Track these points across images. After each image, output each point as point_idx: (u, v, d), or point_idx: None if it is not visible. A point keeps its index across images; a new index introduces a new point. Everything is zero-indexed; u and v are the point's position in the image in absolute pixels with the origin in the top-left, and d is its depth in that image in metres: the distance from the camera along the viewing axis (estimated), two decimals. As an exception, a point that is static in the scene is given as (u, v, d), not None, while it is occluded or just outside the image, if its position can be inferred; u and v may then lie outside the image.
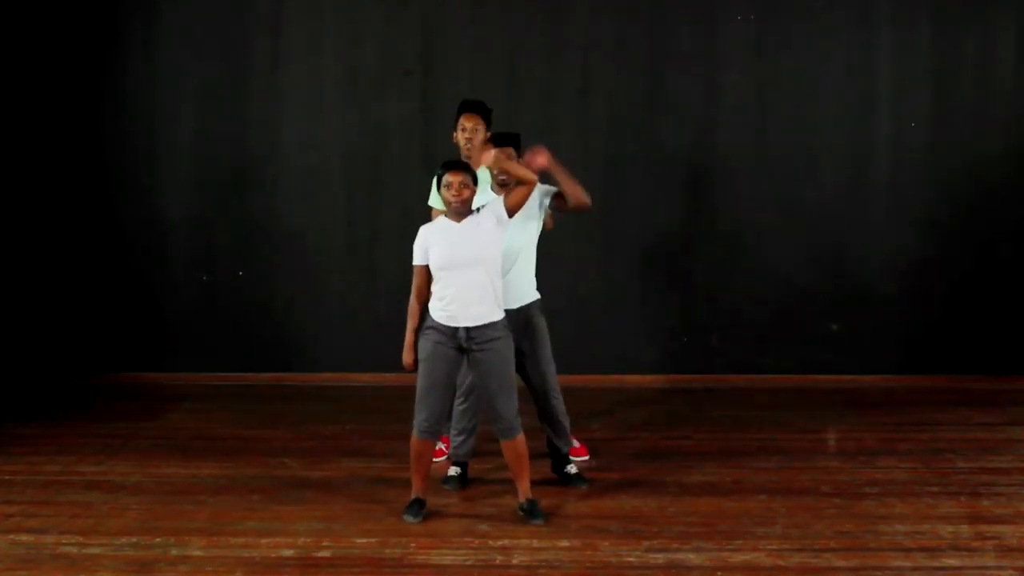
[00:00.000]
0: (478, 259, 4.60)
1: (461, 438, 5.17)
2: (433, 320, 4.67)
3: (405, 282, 7.55)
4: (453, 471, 5.18)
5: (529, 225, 5.03)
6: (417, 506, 4.73)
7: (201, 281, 7.61)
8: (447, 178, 4.66)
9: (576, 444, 5.57)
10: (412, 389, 7.30)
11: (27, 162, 7.52)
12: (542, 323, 5.13)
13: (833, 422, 6.44)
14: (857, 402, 6.97)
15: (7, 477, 5.31)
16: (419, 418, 4.69)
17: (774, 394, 7.20)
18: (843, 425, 6.37)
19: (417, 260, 4.71)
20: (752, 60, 7.47)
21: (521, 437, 4.72)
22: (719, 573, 4.12)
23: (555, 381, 5.20)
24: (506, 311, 4.78)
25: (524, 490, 4.75)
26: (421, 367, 4.68)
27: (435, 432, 4.74)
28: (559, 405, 5.21)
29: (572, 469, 5.23)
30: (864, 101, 7.49)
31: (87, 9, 7.48)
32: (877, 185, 7.50)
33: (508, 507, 4.86)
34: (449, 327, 4.62)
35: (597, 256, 7.53)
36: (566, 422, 5.25)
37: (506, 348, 4.68)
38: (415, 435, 4.71)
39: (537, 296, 5.16)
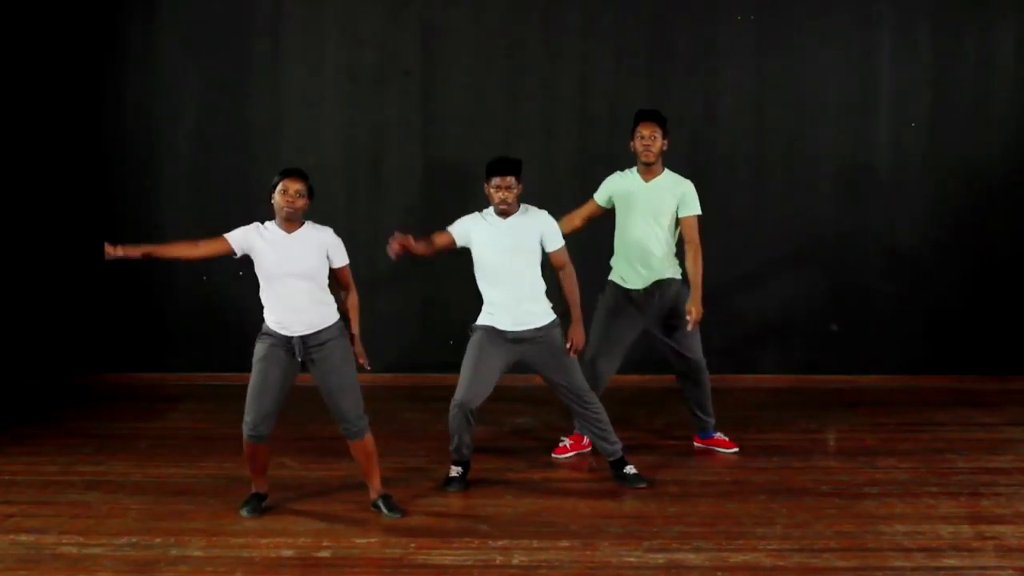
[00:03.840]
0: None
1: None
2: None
3: (404, 282, 7.60)
4: (455, 472, 5.18)
5: None
6: (256, 501, 4.80)
7: (201, 281, 7.61)
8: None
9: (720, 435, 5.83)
10: (411, 389, 7.32)
11: (27, 163, 7.52)
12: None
13: (833, 422, 6.44)
14: (857, 402, 6.97)
15: (7, 477, 5.31)
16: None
17: (774, 394, 7.20)
18: (843, 425, 6.37)
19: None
20: (752, 60, 7.47)
21: (369, 436, 4.76)
22: (719, 573, 4.12)
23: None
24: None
25: (376, 487, 4.82)
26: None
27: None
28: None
29: (631, 470, 5.23)
30: (864, 102, 7.49)
31: (87, 10, 7.47)
32: (877, 185, 7.51)
33: (508, 507, 4.87)
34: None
35: (597, 256, 7.52)
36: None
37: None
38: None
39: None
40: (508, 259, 5.02)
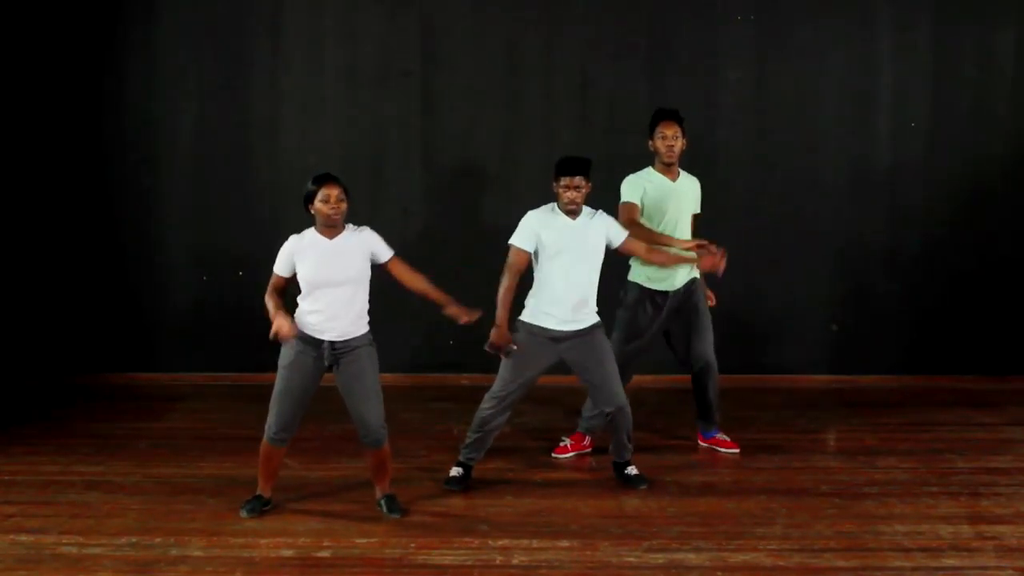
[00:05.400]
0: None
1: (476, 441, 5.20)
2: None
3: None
4: (456, 472, 5.18)
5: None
6: (257, 502, 4.79)
7: (201, 281, 7.61)
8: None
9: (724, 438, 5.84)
10: (411, 389, 7.32)
11: (27, 162, 7.53)
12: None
13: (833, 422, 6.44)
14: (857, 402, 6.97)
15: (7, 477, 5.31)
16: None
17: (774, 394, 7.21)
18: (843, 425, 6.37)
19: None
20: (752, 60, 7.47)
21: (387, 446, 4.77)
22: (719, 573, 4.12)
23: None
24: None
25: (384, 488, 4.84)
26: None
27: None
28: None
29: (632, 471, 5.24)
30: (864, 101, 7.49)
31: (87, 9, 7.47)
32: (877, 185, 7.51)
33: (508, 507, 4.87)
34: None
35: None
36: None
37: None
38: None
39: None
40: (574, 257, 5.00)
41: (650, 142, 5.57)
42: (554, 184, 5.02)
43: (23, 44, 7.46)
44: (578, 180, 4.94)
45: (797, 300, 7.55)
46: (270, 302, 4.60)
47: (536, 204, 5.26)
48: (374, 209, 7.59)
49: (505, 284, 4.99)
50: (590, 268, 5.03)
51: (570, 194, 4.95)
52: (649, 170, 5.60)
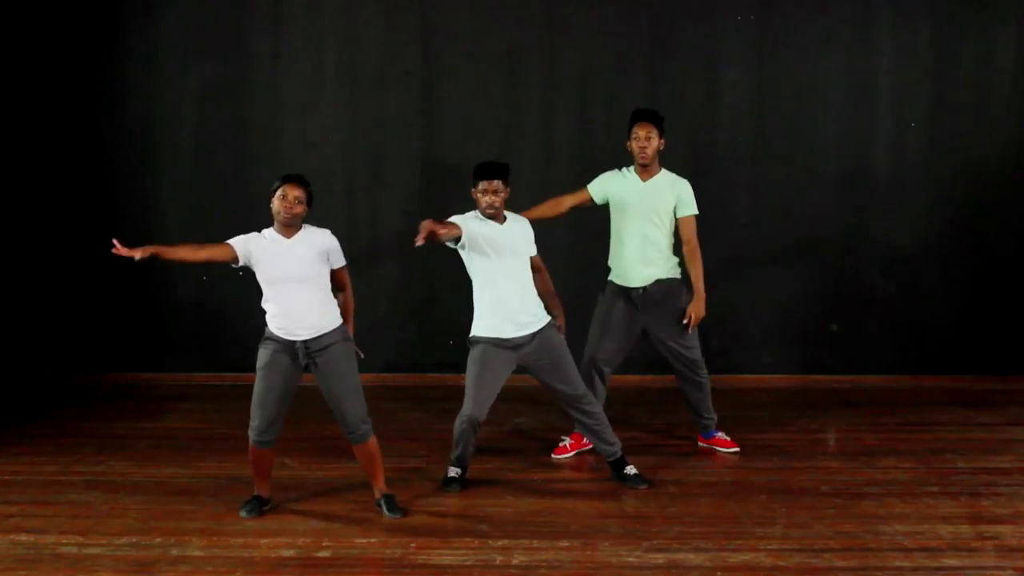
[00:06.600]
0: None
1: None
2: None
3: (404, 282, 7.61)
4: (453, 472, 5.18)
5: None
6: (256, 502, 4.81)
7: (201, 281, 7.61)
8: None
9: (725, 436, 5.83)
10: (411, 389, 7.31)
11: (27, 162, 7.53)
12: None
13: (833, 422, 6.44)
14: (857, 402, 6.97)
15: (7, 477, 5.32)
16: None
17: (774, 394, 7.20)
18: (843, 425, 6.37)
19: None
20: (752, 60, 7.47)
21: (373, 440, 4.78)
22: (719, 573, 4.12)
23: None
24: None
25: (380, 487, 4.84)
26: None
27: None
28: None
29: (631, 471, 5.23)
30: (864, 101, 7.48)
31: (87, 9, 7.48)
32: (877, 185, 7.51)
33: (508, 507, 4.87)
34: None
35: (595, 256, 7.53)
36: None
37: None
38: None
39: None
40: (513, 261, 5.03)
41: (628, 143, 5.55)
42: (472, 190, 5.00)
43: (23, 44, 7.46)
44: (496, 184, 4.94)
45: (797, 299, 7.55)
46: (182, 248, 4.69)
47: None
48: (374, 209, 7.60)
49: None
50: (528, 269, 5.09)
51: (488, 198, 4.94)
52: (629, 168, 5.61)
